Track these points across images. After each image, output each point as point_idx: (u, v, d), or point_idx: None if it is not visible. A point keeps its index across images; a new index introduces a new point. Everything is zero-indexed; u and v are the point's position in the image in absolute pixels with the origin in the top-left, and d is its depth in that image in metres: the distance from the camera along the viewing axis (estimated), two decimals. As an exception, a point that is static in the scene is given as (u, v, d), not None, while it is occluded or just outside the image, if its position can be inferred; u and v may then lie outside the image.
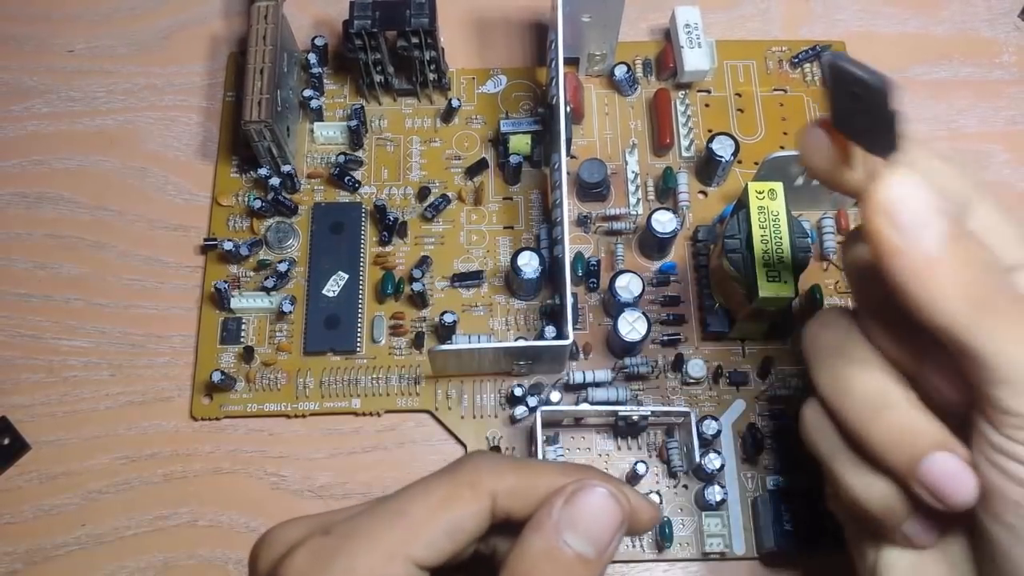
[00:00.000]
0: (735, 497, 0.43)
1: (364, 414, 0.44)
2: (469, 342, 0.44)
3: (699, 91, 0.50)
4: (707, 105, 0.50)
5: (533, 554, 0.25)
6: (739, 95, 0.50)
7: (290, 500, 0.43)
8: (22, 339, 0.46)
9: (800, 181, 0.45)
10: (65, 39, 0.53)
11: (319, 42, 0.49)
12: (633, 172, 0.48)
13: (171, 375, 0.45)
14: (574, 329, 0.44)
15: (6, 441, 0.44)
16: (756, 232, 0.41)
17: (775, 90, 0.50)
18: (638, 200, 0.47)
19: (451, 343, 0.44)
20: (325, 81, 0.50)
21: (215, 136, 0.50)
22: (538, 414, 0.41)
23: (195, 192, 0.49)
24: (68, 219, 0.48)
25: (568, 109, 0.45)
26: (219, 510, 0.43)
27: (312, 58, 0.49)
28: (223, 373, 0.43)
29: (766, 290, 0.40)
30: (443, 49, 0.48)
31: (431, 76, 0.48)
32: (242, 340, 0.45)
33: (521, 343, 0.41)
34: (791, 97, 0.50)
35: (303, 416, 0.44)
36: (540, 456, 0.40)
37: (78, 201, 0.49)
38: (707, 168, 0.47)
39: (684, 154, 0.49)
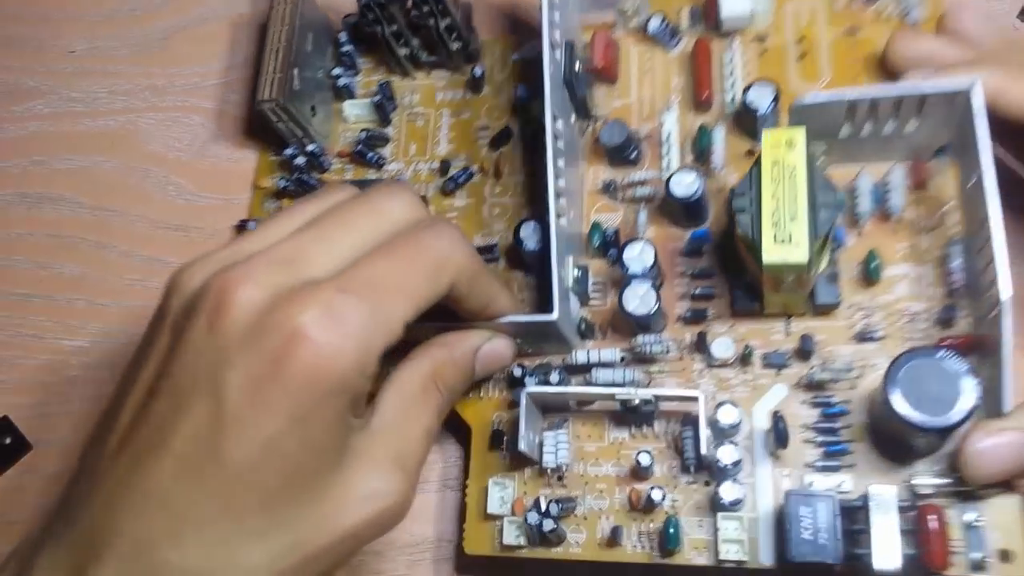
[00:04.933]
0: (768, 498, 0.37)
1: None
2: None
3: (754, 39, 0.44)
4: (763, 53, 0.44)
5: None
6: (802, 39, 0.44)
7: None
8: (24, 339, 0.48)
9: (846, 132, 0.38)
10: (66, 40, 0.55)
11: (351, 20, 0.49)
12: (667, 132, 0.43)
13: None
14: (590, 305, 0.41)
15: (8, 440, 0.45)
16: (766, 187, 0.35)
17: (846, 31, 0.43)
18: (670, 163, 0.42)
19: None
20: (361, 59, 0.49)
21: (218, 135, 0.50)
22: (523, 396, 0.37)
23: (196, 192, 0.49)
24: (69, 219, 0.50)
25: (581, 70, 0.42)
26: None
27: (343, 36, 0.48)
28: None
29: (771, 254, 0.34)
30: (470, 16, 0.46)
31: (454, 46, 0.46)
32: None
33: (504, 319, 0.38)
34: (863, 39, 0.43)
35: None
36: (524, 441, 0.37)
37: (79, 201, 0.50)
38: (744, 123, 0.41)
39: (729, 109, 0.43)
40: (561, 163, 0.40)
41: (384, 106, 0.47)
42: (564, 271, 0.39)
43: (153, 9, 0.56)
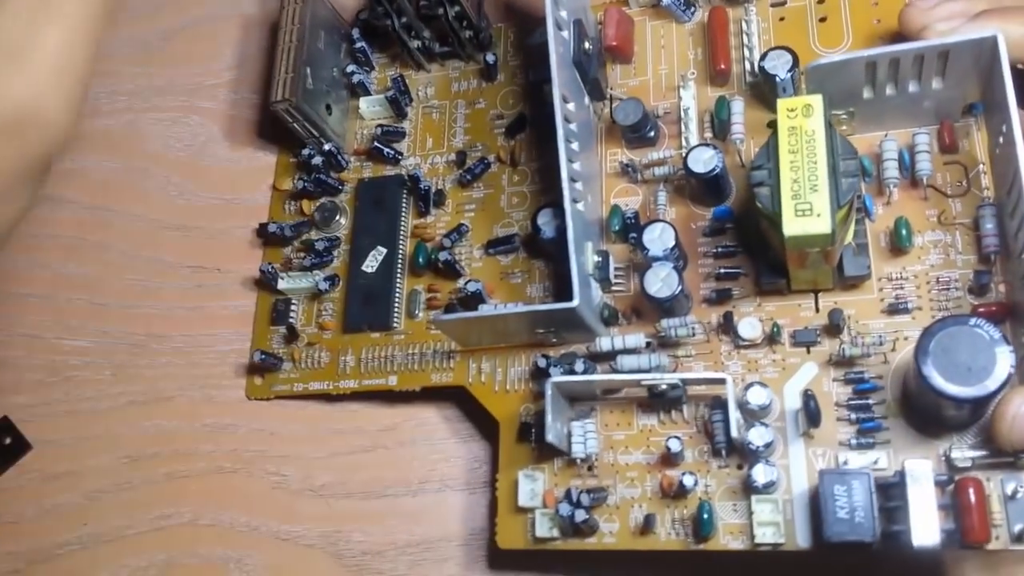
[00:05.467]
0: (802, 478, 0.36)
1: (401, 391, 0.43)
2: (495, 310, 0.41)
3: (772, 5, 0.43)
4: (782, 19, 0.43)
5: None
6: (821, 1, 0.42)
7: (290, 499, 0.43)
8: (24, 339, 0.48)
9: (868, 94, 0.37)
10: None
11: (363, 16, 0.48)
12: (685, 108, 0.42)
13: (172, 375, 0.46)
14: (612, 292, 0.41)
15: (8, 441, 0.46)
16: (784, 157, 0.34)
17: (867, -9, 0.42)
18: (689, 139, 0.41)
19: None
20: (376, 55, 0.49)
21: (218, 135, 0.50)
22: (549, 387, 0.37)
23: (196, 192, 0.50)
24: (70, 219, 0.50)
25: (591, 50, 0.41)
26: (220, 509, 0.43)
27: (355, 33, 0.48)
28: (264, 353, 0.44)
29: (793, 226, 0.33)
30: (481, 3, 0.46)
31: (466, 34, 0.45)
32: (291, 320, 0.45)
33: (521, 307, 0.38)
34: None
35: (344, 394, 0.43)
36: (552, 432, 0.36)
37: (80, 201, 0.51)
38: (763, 93, 0.40)
39: (749, 80, 0.42)
40: (575, 146, 0.39)
41: (399, 101, 0.46)
42: (583, 257, 0.38)
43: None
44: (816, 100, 0.34)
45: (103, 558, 0.44)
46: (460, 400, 0.43)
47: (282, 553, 0.43)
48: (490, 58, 0.45)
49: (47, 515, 0.46)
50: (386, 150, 0.46)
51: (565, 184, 0.37)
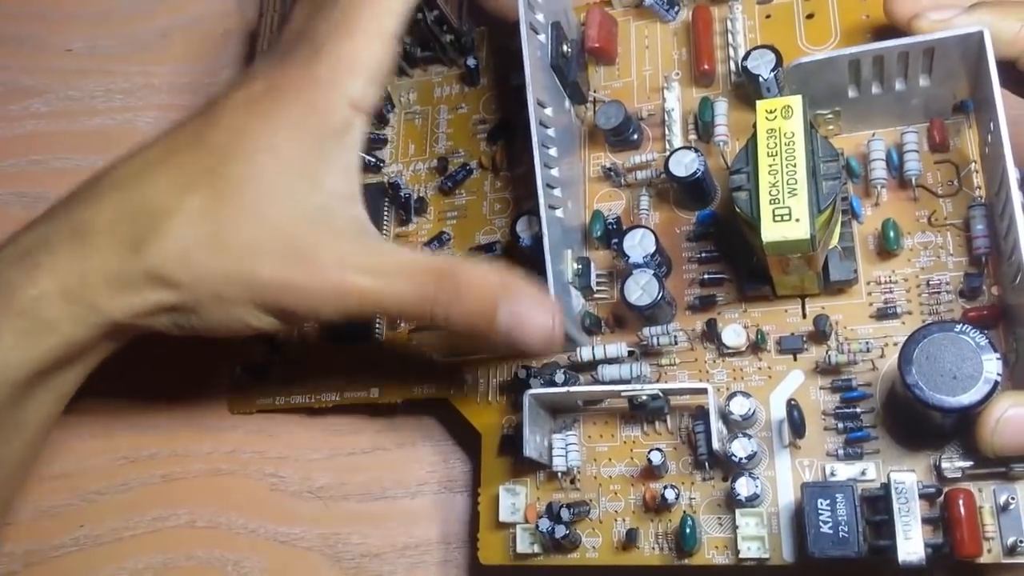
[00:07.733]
0: (788, 491, 0.35)
1: (383, 404, 0.42)
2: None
3: (758, 2, 0.42)
4: (768, 17, 0.41)
5: None
6: (808, -2, 0.41)
7: (289, 501, 0.42)
8: None
9: (853, 92, 0.36)
10: (63, 38, 0.55)
11: (343, 22, 0.48)
12: (669, 110, 0.41)
13: (168, 377, 0.45)
14: (595, 299, 0.40)
15: None
16: (763, 161, 0.33)
17: (855, -13, 0.40)
18: (673, 142, 0.40)
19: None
20: (357, 62, 0.48)
21: None
22: (527, 399, 0.36)
23: None
24: None
25: (571, 52, 0.40)
26: (217, 511, 0.43)
27: (335, 40, 0.47)
28: (245, 367, 0.43)
29: (771, 232, 0.32)
30: (463, 7, 0.45)
31: (447, 38, 0.45)
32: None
33: (498, 319, 0.37)
34: (873, -5, 0.40)
35: (325, 407, 0.43)
36: (529, 445, 0.36)
37: None
38: (748, 94, 0.39)
39: (734, 80, 0.41)
40: (553, 151, 0.38)
41: (381, 107, 0.45)
42: (562, 265, 0.38)
43: (151, 8, 0.55)
44: (796, 101, 0.33)
45: (100, 560, 0.44)
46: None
47: (280, 555, 0.43)
48: (471, 62, 0.44)
49: (43, 517, 0.45)
50: (368, 157, 0.45)
51: (540, 191, 0.36)
